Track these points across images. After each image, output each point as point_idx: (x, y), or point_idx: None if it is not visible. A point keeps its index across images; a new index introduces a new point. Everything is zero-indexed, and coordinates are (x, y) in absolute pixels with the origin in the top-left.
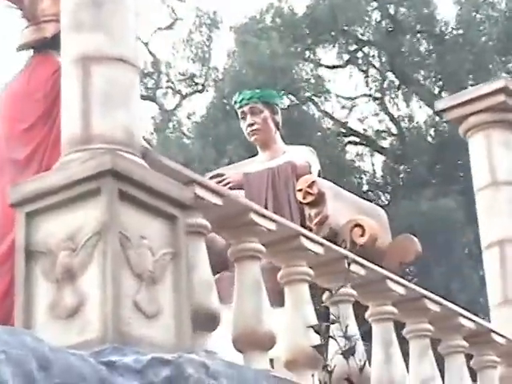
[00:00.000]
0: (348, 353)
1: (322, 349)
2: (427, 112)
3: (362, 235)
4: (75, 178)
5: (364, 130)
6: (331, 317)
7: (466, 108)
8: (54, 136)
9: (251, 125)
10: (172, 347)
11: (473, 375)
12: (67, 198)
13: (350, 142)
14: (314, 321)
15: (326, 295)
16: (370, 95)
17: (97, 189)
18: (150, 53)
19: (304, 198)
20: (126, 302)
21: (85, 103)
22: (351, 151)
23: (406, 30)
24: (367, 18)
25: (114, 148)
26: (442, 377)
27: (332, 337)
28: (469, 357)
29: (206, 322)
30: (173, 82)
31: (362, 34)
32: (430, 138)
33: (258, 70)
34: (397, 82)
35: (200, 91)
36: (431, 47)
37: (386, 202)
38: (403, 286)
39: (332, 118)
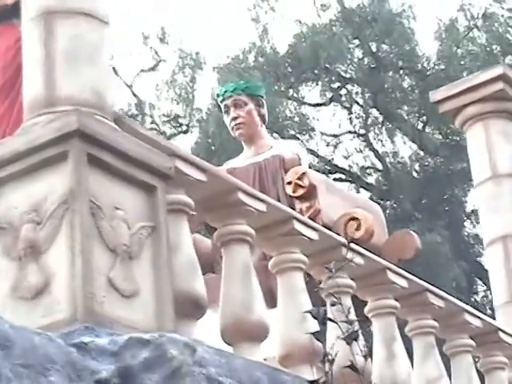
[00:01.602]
0: (350, 338)
1: (320, 335)
2: (411, 147)
3: (357, 229)
4: (38, 142)
5: (349, 166)
6: (331, 299)
7: (463, 98)
8: (18, 109)
9: (235, 118)
10: (152, 330)
11: (480, 379)
12: (30, 165)
13: (335, 179)
14: None
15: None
16: (354, 132)
17: (62, 153)
18: (134, 95)
19: (294, 192)
20: (98, 279)
21: (48, 63)
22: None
23: (389, 67)
24: (349, 56)
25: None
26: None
27: (332, 320)
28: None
29: (191, 308)
30: (157, 124)
31: (345, 72)
32: (415, 173)
33: None
34: (380, 119)
35: (185, 132)
36: (414, 83)
37: None
38: (405, 278)
39: (317, 155)
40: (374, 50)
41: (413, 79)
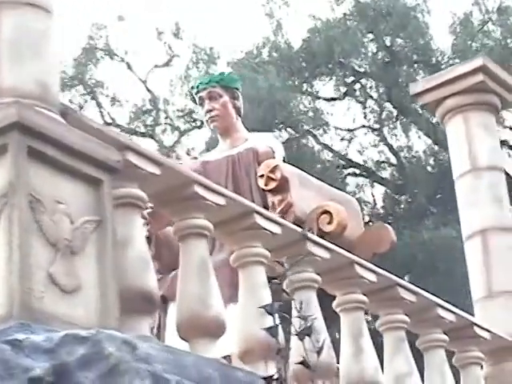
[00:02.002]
0: (303, 333)
1: (274, 331)
2: (426, 141)
3: (329, 222)
4: None
5: (364, 161)
6: (283, 295)
7: (443, 90)
8: None
9: (209, 111)
10: (93, 326)
11: (455, 375)
12: None
13: (349, 174)
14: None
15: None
16: (368, 126)
17: (2, 146)
18: (148, 90)
19: (266, 185)
20: (37, 274)
21: None
22: (351, 183)
23: (403, 61)
24: (363, 50)
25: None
26: (422, 375)
27: (285, 316)
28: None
29: (142, 303)
30: (171, 119)
31: (359, 66)
32: (429, 168)
33: (255, 104)
34: (395, 113)
35: (199, 127)
36: (428, 77)
37: None
38: (374, 272)
39: (331, 150)
40: (389, 44)
41: (427, 73)
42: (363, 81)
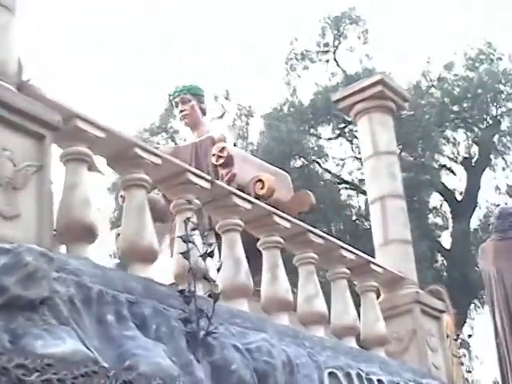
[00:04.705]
0: (205, 256)
1: (186, 254)
2: None
3: (262, 188)
4: None
5: (352, 179)
6: (191, 225)
7: (354, 97)
8: None
9: (182, 111)
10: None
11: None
12: None
13: (343, 188)
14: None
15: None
16: (354, 156)
17: None
18: None
19: (217, 161)
20: None
21: None
22: (344, 194)
23: None
24: None
25: None
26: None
27: (192, 242)
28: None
29: (83, 233)
30: None
31: (348, 116)
32: None
33: (279, 143)
34: None
35: None
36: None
37: (368, 227)
38: (288, 221)
39: (330, 172)
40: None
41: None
42: (351, 126)
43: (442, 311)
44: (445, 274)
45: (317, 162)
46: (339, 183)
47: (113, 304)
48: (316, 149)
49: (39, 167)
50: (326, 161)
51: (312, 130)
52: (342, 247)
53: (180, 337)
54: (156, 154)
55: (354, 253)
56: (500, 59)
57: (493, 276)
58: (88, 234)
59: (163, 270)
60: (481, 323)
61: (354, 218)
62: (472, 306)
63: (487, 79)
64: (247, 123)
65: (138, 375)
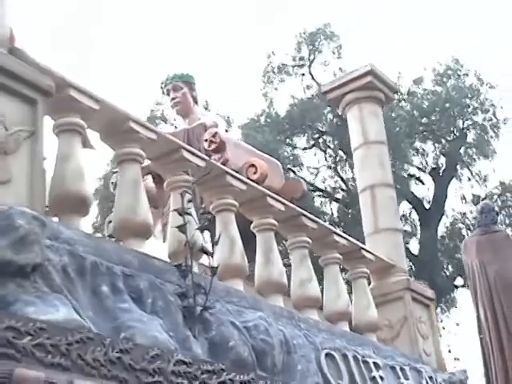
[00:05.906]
0: (202, 228)
1: (183, 228)
2: None
3: (254, 173)
4: None
5: (325, 187)
6: (187, 197)
7: (343, 88)
8: None
9: (173, 98)
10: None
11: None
12: None
13: (316, 196)
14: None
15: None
16: (328, 166)
17: None
18: None
19: (209, 147)
20: None
21: None
22: (317, 201)
23: None
24: (324, 117)
25: None
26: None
27: (189, 214)
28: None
29: (77, 205)
30: None
31: (322, 127)
32: None
33: None
34: (344, 157)
35: None
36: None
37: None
38: (282, 203)
39: (305, 180)
40: (340, 113)
41: None
42: (324, 137)
43: (431, 299)
44: (413, 278)
45: (292, 171)
46: (313, 191)
47: (107, 275)
48: (291, 158)
49: (31, 132)
50: (301, 169)
51: (288, 140)
52: (335, 232)
53: (177, 312)
54: (151, 129)
55: (346, 238)
56: (466, 75)
57: (476, 269)
58: (81, 206)
59: (157, 255)
60: (448, 325)
61: (327, 224)
62: (439, 309)
63: (454, 94)
64: (226, 132)
65: (135, 345)
